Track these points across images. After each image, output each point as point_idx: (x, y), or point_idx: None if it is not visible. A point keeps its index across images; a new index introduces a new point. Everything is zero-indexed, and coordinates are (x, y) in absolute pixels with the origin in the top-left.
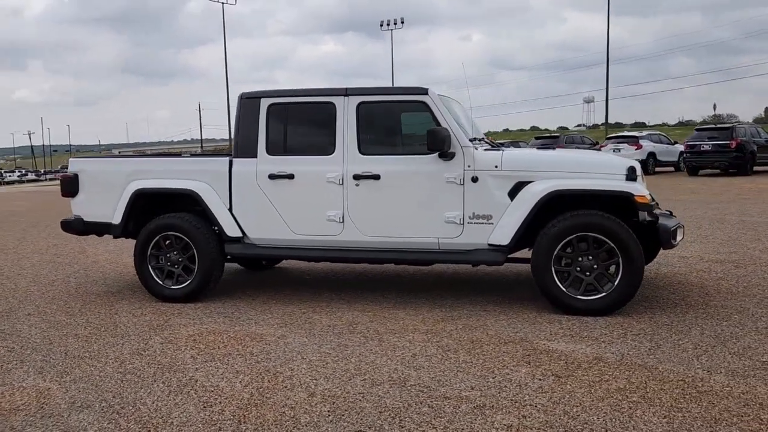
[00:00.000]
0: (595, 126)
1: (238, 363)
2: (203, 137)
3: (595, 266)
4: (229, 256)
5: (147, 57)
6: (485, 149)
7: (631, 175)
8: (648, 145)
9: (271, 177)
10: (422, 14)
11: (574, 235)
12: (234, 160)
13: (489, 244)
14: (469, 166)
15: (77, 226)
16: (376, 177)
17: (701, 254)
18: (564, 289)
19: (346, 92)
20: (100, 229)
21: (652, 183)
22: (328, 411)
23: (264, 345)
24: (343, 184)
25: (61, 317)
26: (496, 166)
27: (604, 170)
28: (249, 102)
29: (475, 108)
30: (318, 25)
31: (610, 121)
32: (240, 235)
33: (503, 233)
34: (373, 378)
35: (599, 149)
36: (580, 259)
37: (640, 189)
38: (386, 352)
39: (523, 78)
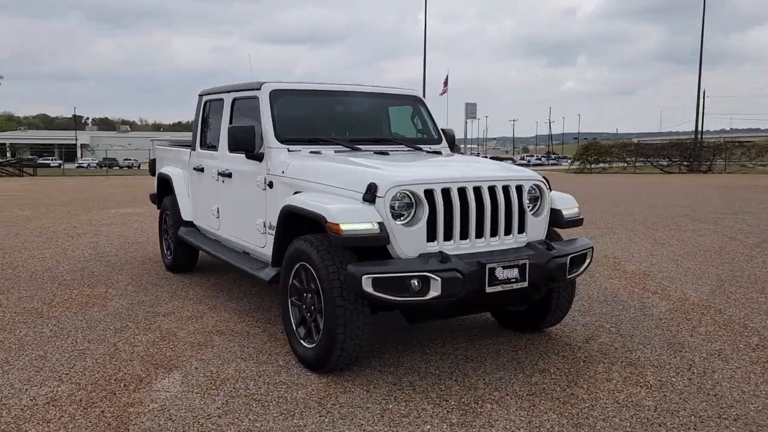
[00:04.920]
0: None
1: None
2: (703, 128)
3: (313, 306)
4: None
5: (686, 44)
6: (311, 152)
7: (368, 194)
8: None
9: (195, 169)
10: None
11: (298, 264)
12: (191, 152)
13: None
14: (269, 170)
15: (153, 198)
16: (230, 175)
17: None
18: (294, 328)
19: (230, 90)
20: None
21: None
22: None
23: (57, 317)
24: (218, 180)
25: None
26: (283, 172)
27: (349, 186)
28: (200, 99)
29: None
30: None
31: None
32: (192, 220)
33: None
34: None
35: None
36: (305, 294)
37: (341, 214)
38: (69, 347)
39: None
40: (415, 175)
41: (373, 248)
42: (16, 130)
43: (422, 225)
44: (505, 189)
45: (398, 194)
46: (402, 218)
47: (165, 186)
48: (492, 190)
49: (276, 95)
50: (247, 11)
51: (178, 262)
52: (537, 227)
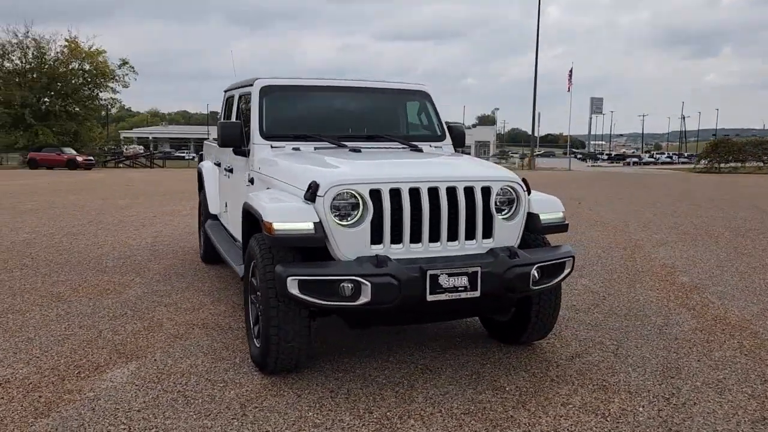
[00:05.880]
0: None
1: None
2: None
3: (260, 305)
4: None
5: None
6: (293, 149)
7: (308, 193)
8: None
9: (215, 164)
10: None
11: (252, 262)
12: (216, 147)
13: None
14: (251, 166)
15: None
16: (231, 171)
17: None
18: (251, 326)
19: (239, 86)
20: None
21: None
22: None
23: (71, 302)
24: (225, 175)
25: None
26: (259, 168)
27: (298, 184)
28: (224, 95)
29: None
30: None
31: None
32: (217, 213)
33: None
34: None
35: None
36: (257, 292)
37: (275, 213)
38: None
39: None
40: (361, 174)
41: (318, 249)
42: (159, 125)
43: (365, 226)
44: (468, 190)
45: (344, 194)
46: (349, 218)
47: (201, 180)
48: (451, 191)
49: (266, 91)
50: (374, 9)
51: (207, 254)
52: (507, 232)
